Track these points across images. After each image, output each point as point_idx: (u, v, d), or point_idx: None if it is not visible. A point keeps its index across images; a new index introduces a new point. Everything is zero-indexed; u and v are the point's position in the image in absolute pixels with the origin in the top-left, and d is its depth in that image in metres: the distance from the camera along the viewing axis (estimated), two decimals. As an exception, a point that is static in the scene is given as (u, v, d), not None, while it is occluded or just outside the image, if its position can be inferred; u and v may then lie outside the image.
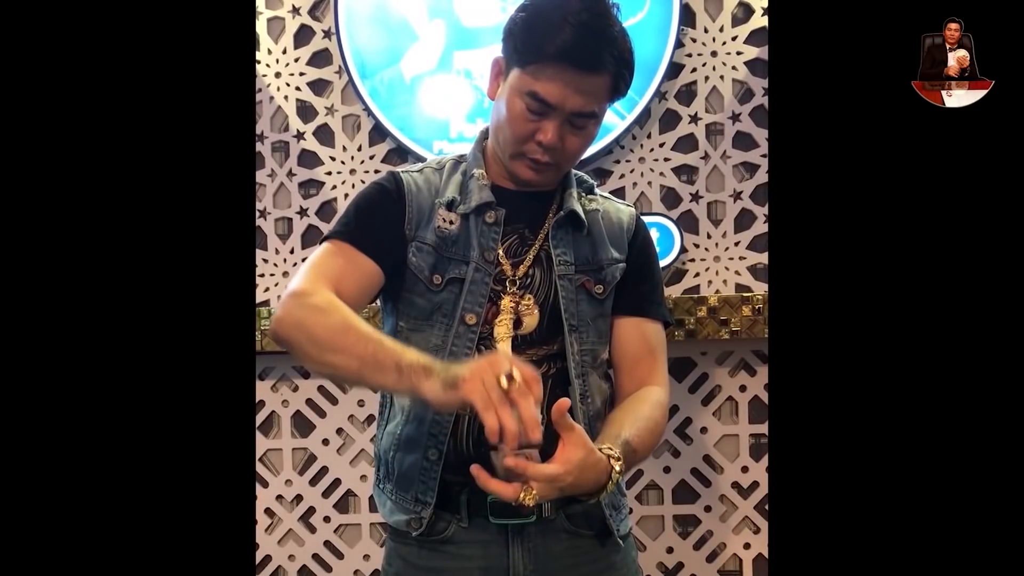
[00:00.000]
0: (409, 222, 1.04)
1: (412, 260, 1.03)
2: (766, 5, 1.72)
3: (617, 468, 0.92)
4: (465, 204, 1.04)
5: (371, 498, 1.75)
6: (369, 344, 0.90)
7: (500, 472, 0.87)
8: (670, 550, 1.80)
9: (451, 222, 1.04)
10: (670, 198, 1.77)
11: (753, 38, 1.73)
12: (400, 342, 1.07)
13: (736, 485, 1.80)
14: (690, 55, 1.74)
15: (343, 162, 1.77)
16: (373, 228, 1.03)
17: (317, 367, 0.97)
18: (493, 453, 0.88)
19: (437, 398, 0.86)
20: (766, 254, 1.73)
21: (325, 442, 1.81)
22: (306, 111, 1.78)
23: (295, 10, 1.76)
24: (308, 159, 1.78)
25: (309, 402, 1.81)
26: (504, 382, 0.82)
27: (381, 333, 0.95)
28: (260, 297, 1.77)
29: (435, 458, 1.02)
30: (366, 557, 1.81)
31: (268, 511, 1.82)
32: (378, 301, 1.10)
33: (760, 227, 1.75)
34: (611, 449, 0.93)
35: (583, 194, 1.11)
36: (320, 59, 1.77)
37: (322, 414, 1.81)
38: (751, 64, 1.74)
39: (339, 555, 1.82)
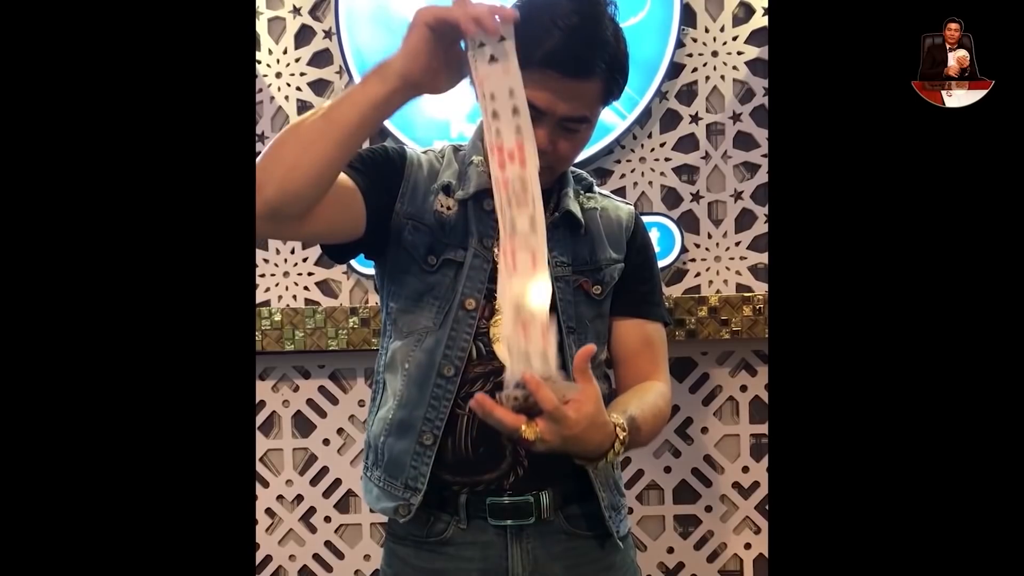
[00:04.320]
0: (403, 195, 1.03)
1: (407, 238, 1.02)
2: (766, 5, 1.72)
3: (621, 438, 0.90)
4: (464, 190, 1.04)
5: (372, 498, 1.75)
6: (330, 103, 0.88)
7: (506, 402, 0.84)
8: (671, 550, 1.80)
9: (449, 207, 1.04)
10: (671, 198, 1.77)
11: (754, 38, 1.73)
12: (389, 324, 1.07)
13: (737, 485, 1.80)
14: (691, 55, 1.74)
15: (344, 162, 1.77)
16: (368, 173, 1.00)
17: (286, 166, 0.85)
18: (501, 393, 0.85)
19: (405, 52, 0.84)
20: (767, 254, 1.73)
21: (326, 442, 1.81)
22: (307, 111, 1.78)
23: (296, 10, 1.76)
24: (309, 159, 1.78)
25: (310, 402, 1.81)
26: None
27: None
28: (260, 297, 1.77)
29: (430, 443, 1.01)
30: (366, 557, 1.81)
31: (269, 511, 1.82)
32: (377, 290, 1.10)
33: (761, 227, 1.75)
34: (618, 419, 0.92)
35: (581, 192, 1.11)
36: (321, 59, 1.77)
37: (323, 414, 1.81)
38: (752, 64, 1.74)
39: (340, 555, 1.82)
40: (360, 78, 0.88)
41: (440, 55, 0.85)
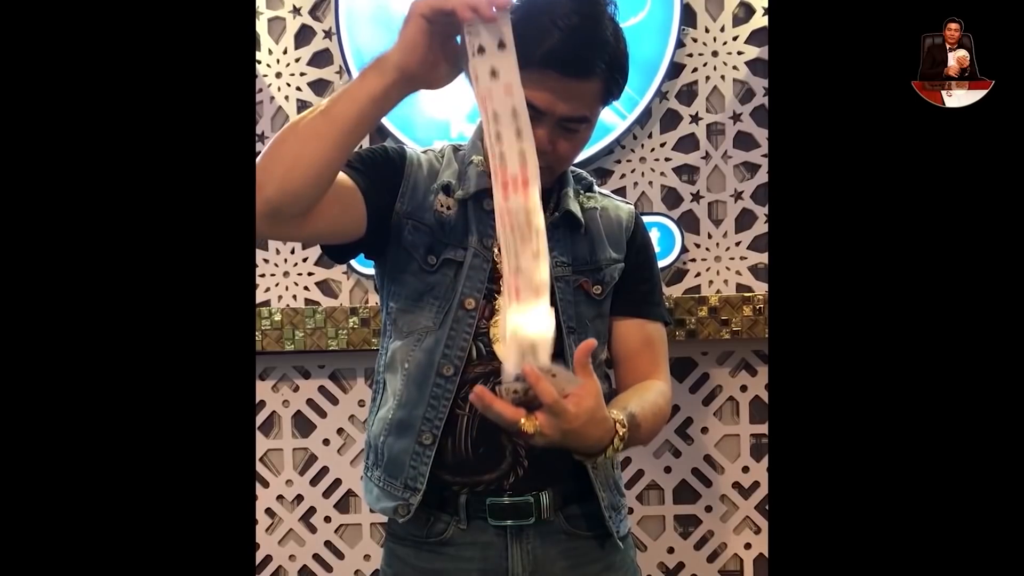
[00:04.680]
0: (403, 195, 1.03)
1: (407, 238, 1.02)
2: (766, 5, 1.72)
3: (621, 434, 0.90)
4: (463, 190, 1.03)
5: (372, 498, 1.75)
6: (329, 99, 0.88)
7: (506, 396, 0.83)
8: (671, 550, 1.80)
9: (448, 207, 1.03)
10: (671, 198, 1.77)
11: (754, 38, 1.74)
12: (389, 324, 1.07)
13: (737, 485, 1.80)
14: (691, 55, 1.74)
15: (344, 162, 1.76)
16: (367, 173, 1.00)
17: (286, 165, 0.85)
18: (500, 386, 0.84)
19: (402, 44, 0.84)
20: (767, 254, 1.73)
21: (326, 442, 1.81)
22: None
23: (296, 10, 1.76)
24: (309, 159, 1.78)
25: (310, 402, 1.81)
26: None
27: None
28: (260, 297, 1.77)
29: (429, 443, 1.01)
30: (366, 557, 1.81)
31: (269, 511, 1.82)
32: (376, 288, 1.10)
33: (761, 227, 1.75)
34: (618, 415, 0.91)
35: (581, 191, 1.10)
36: (321, 59, 1.78)
37: (323, 414, 1.81)
38: (752, 64, 1.74)
39: (340, 555, 1.82)
40: (364, 68, 0.87)
41: (437, 46, 0.85)
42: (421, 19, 0.83)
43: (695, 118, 1.75)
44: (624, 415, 0.92)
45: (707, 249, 1.76)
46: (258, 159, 0.86)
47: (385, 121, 1.72)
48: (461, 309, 1.01)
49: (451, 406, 1.01)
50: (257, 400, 1.80)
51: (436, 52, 0.85)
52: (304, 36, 1.77)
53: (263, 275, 1.77)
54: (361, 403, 1.80)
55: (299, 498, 1.82)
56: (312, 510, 1.82)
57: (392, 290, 1.06)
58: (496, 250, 1.01)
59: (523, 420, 0.82)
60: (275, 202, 0.85)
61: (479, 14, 0.81)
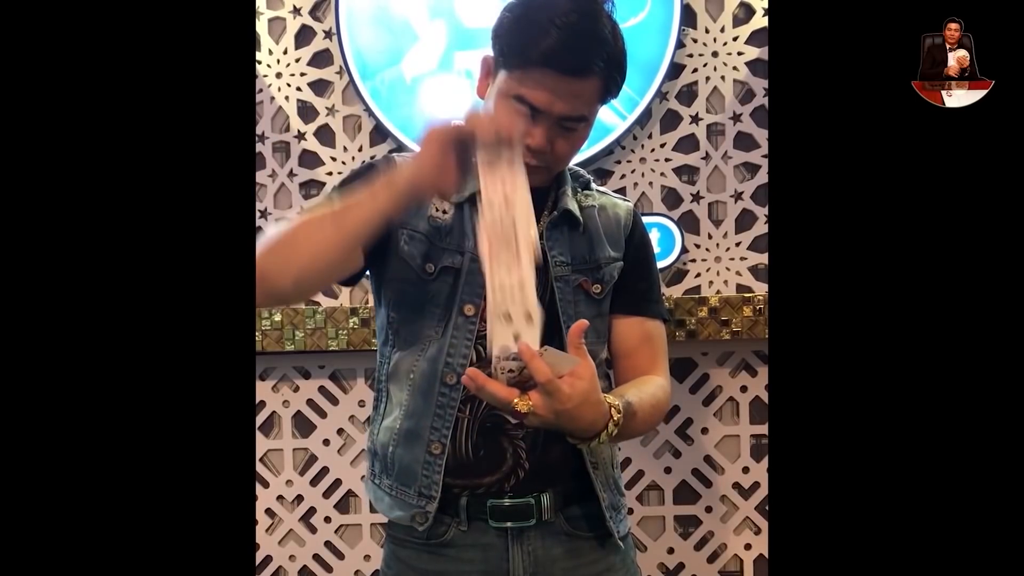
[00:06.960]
0: None
1: (403, 248, 1.02)
2: (766, 5, 1.72)
3: (615, 419, 0.90)
4: (458, 193, 1.04)
5: (372, 498, 1.75)
6: (335, 206, 0.89)
7: (501, 375, 0.84)
8: (671, 551, 1.80)
9: (444, 211, 1.03)
10: (671, 198, 1.77)
11: (754, 38, 1.73)
12: (391, 333, 1.07)
13: (737, 486, 1.80)
14: (691, 55, 1.74)
15: (344, 163, 1.77)
16: None
17: (299, 267, 0.88)
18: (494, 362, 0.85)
19: (419, 165, 0.87)
20: (767, 254, 1.73)
21: (326, 442, 1.81)
22: (307, 111, 1.78)
23: (296, 10, 1.76)
24: (309, 160, 1.78)
25: (310, 402, 1.81)
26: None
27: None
28: (261, 297, 1.77)
29: (438, 452, 1.01)
30: (367, 557, 1.81)
31: (269, 511, 1.82)
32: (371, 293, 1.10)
33: (761, 227, 1.75)
34: (614, 401, 0.91)
35: (579, 190, 1.10)
36: (321, 59, 1.77)
37: (323, 414, 1.81)
38: (752, 64, 1.74)
39: (340, 555, 1.82)
40: (374, 185, 0.90)
41: (451, 163, 0.87)
42: (439, 144, 0.85)
43: (695, 118, 1.75)
44: (620, 402, 0.92)
45: (707, 249, 1.76)
46: (264, 249, 0.86)
47: (386, 121, 1.72)
48: (461, 316, 1.01)
49: (456, 413, 1.01)
50: (257, 400, 1.80)
51: (450, 167, 0.87)
52: (304, 36, 1.77)
53: (263, 275, 1.77)
54: (361, 403, 1.80)
55: (299, 498, 1.82)
56: (312, 510, 1.82)
57: (391, 299, 1.06)
58: None
59: (516, 400, 0.83)
60: (290, 296, 0.91)
61: (501, 136, 0.83)
